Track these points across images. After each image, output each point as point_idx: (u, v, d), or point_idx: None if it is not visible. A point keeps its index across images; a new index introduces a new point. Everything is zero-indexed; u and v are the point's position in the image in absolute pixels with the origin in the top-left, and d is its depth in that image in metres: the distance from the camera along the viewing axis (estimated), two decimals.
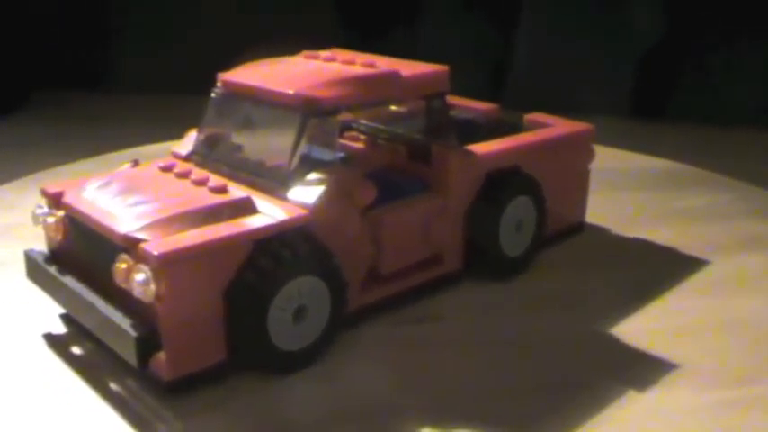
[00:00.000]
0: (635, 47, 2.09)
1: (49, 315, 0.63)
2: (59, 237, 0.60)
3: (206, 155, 0.64)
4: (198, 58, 2.17)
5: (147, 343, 0.51)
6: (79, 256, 0.60)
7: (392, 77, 0.62)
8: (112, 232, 0.53)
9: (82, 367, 0.57)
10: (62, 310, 0.62)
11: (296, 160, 0.58)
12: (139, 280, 0.50)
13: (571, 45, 2.11)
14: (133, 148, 1.06)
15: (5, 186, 0.93)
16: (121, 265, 0.52)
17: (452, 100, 0.83)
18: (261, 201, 0.57)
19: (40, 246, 0.64)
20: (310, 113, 0.58)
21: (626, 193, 0.92)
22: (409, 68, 0.64)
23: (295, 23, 2.04)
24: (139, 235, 0.52)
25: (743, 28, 2.03)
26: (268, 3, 2.26)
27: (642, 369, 0.58)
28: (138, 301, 0.51)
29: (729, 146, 1.86)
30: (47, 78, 2.36)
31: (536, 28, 2.14)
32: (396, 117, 0.74)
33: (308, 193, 0.57)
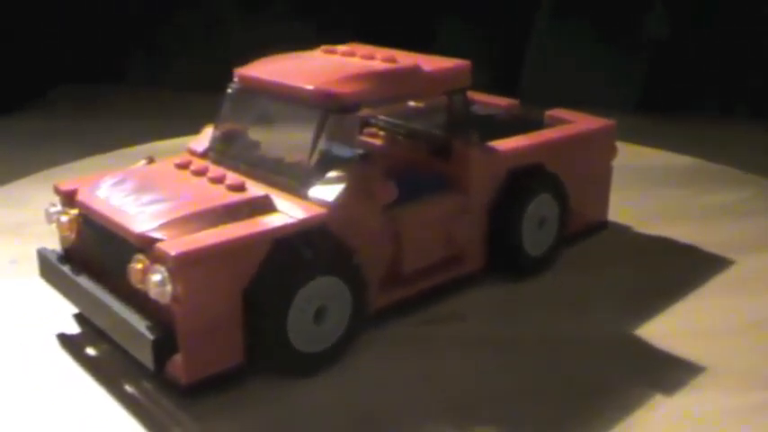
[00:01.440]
0: (649, 42, 2.07)
1: (62, 315, 0.62)
2: (73, 235, 0.59)
3: (222, 151, 0.63)
4: (213, 56, 2.17)
5: (164, 346, 0.50)
6: (93, 254, 0.59)
7: (414, 72, 0.61)
8: (128, 231, 0.52)
9: (96, 368, 0.56)
10: (75, 310, 0.61)
11: (315, 157, 0.56)
12: (156, 280, 0.49)
13: (585, 42, 2.09)
14: (146, 143, 1.05)
15: (18, 182, 0.92)
16: (137, 265, 0.51)
17: (471, 95, 0.81)
18: (279, 199, 0.55)
19: (54, 243, 0.63)
20: (330, 109, 0.56)
21: (646, 189, 0.90)
22: (430, 63, 0.62)
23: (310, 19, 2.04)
24: (155, 234, 0.51)
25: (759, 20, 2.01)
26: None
27: (668, 371, 0.56)
28: (153, 302, 0.50)
29: (747, 141, 1.84)
30: (61, 73, 2.35)
31: (552, 25, 2.12)
32: (414, 112, 0.72)
33: (327, 190, 0.55)
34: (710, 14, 2.00)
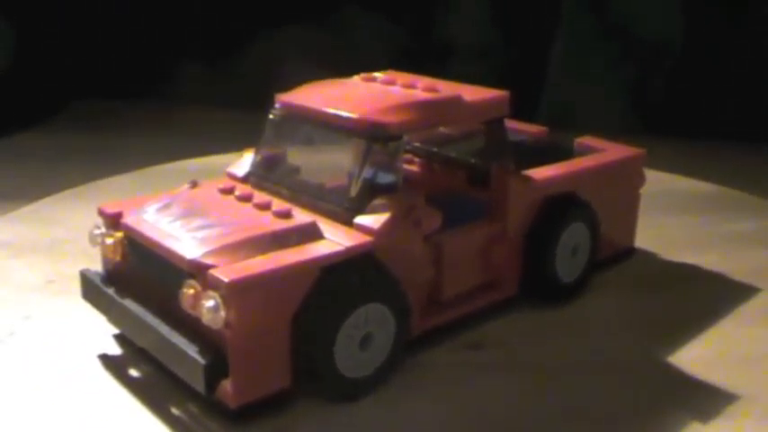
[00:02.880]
0: (661, 64, 2.07)
1: (101, 335, 0.62)
2: (117, 258, 0.60)
3: (264, 177, 0.64)
4: (232, 73, 2.18)
5: (215, 370, 0.50)
6: (137, 278, 0.59)
7: (455, 102, 0.62)
8: (178, 257, 0.53)
9: (141, 390, 0.57)
10: (114, 330, 0.62)
11: (359, 185, 0.57)
12: (209, 306, 0.50)
13: (598, 65, 2.08)
14: (168, 162, 1.05)
15: (46, 200, 0.93)
16: (189, 290, 0.51)
17: None
18: (325, 226, 0.56)
19: (89, 263, 0.64)
20: (375, 138, 0.57)
21: (667, 216, 0.91)
22: (470, 93, 0.63)
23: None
24: (207, 260, 0.52)
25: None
26: (297, 16, 2.25)
27: (704, 398, 0.57)
28: (202, 326, 0.51)
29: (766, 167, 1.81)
30: (81, 88, 2.34)
31: (568, 49, 2.11)
32: (448, 139, 0.73)
33: (374, 218, 0.56)
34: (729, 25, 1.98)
